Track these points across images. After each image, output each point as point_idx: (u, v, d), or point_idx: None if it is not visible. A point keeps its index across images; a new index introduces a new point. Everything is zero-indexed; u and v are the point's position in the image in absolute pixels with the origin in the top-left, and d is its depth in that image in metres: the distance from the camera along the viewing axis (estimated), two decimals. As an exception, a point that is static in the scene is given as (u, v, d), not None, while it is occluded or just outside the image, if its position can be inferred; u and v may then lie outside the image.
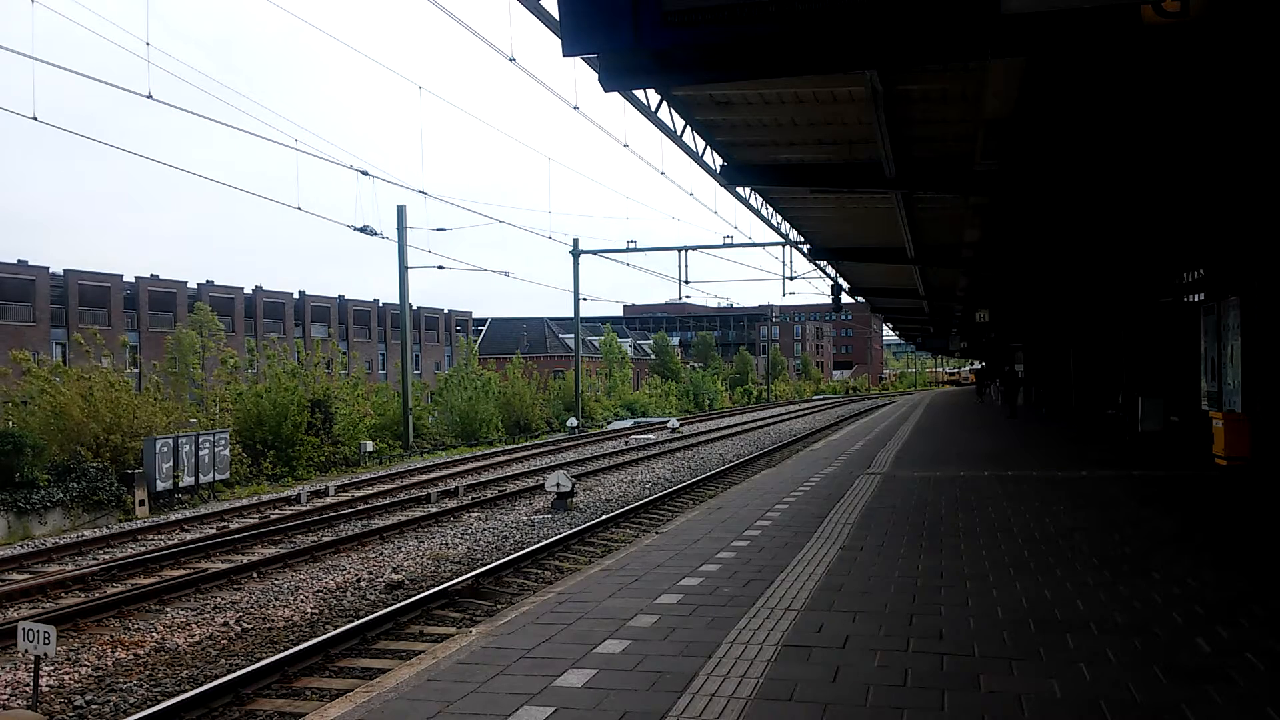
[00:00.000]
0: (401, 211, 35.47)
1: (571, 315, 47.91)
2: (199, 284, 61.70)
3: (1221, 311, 15.11)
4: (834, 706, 4.72)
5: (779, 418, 52.43)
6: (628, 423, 49.79)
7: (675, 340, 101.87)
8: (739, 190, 17.53)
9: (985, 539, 9.15)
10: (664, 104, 11.59)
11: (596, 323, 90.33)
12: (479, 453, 33.18)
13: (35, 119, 15.57)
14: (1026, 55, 7.87)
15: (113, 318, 53.80)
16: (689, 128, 12.59)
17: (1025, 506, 11.22)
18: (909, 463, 17.21)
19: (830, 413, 58.05)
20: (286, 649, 8.88)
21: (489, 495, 20.01)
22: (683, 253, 39.36)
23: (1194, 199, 13.01)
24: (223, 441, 24.37)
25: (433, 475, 24.62)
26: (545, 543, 13.44)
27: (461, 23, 11.95)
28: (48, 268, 51.78)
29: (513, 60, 11.90)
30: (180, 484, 22.62)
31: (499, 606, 10.13)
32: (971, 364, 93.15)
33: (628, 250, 41.21)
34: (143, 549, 15.04)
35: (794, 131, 12.71)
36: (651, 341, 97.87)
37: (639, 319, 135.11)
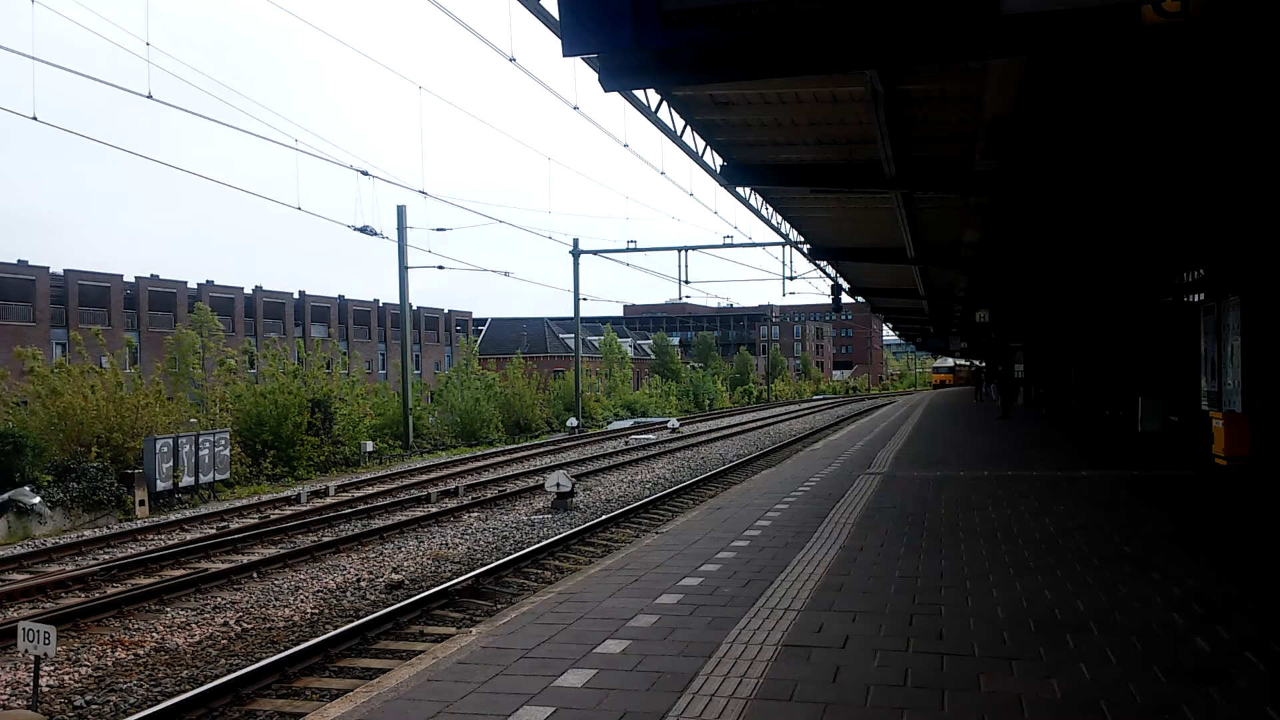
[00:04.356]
0: (401, 211, 35.50)
1: (571, 315, 47.91)
2: (199, 284, 61.71)
3: (1221, 311, 15.11)
4: (834, 706, 4.72)
5: (779, 418, 52.42)
6: (628, 423, 49.78)
7: (675, 340, 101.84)
8: (739, 190, 17.52)
9: (985, 539, 9.15)
10: (664, 104, 11.59)
11: (596, 323, 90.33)
12: (479, 453, 33.18)
13: (35, 119, 15.59)
14: (1026, 55, 7.87)
15: (113, 318, 53.81)
16: (689, 128, 12.58)
17: (1025, 506, 11.23)
18: (909, 463, 17.20)
19: (830, 413, 58.04)
20: (286, 649, 8.88)
21: (489, 495, 20.01)
22: (683, 253, 39.38)
23: (1194, 199, 13.01)
24: (223, 441, 24.36)
25: (433, 475, 24.62)
26: (545, 543, 13.45)
27: (461, 23, 11.95)
28: (48, 268, 51.82)
29: (513, 60, 11.90)
30: (180, 484, 22.61)
31: (499, 606, 10.13)
32: (970, 363, 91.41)
33: (628, 250, 41.20)
34: (143, 549, 15.04)
35: (794, 131, 12.71)
36: (651, 341, 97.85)
37: (639, 319, 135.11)
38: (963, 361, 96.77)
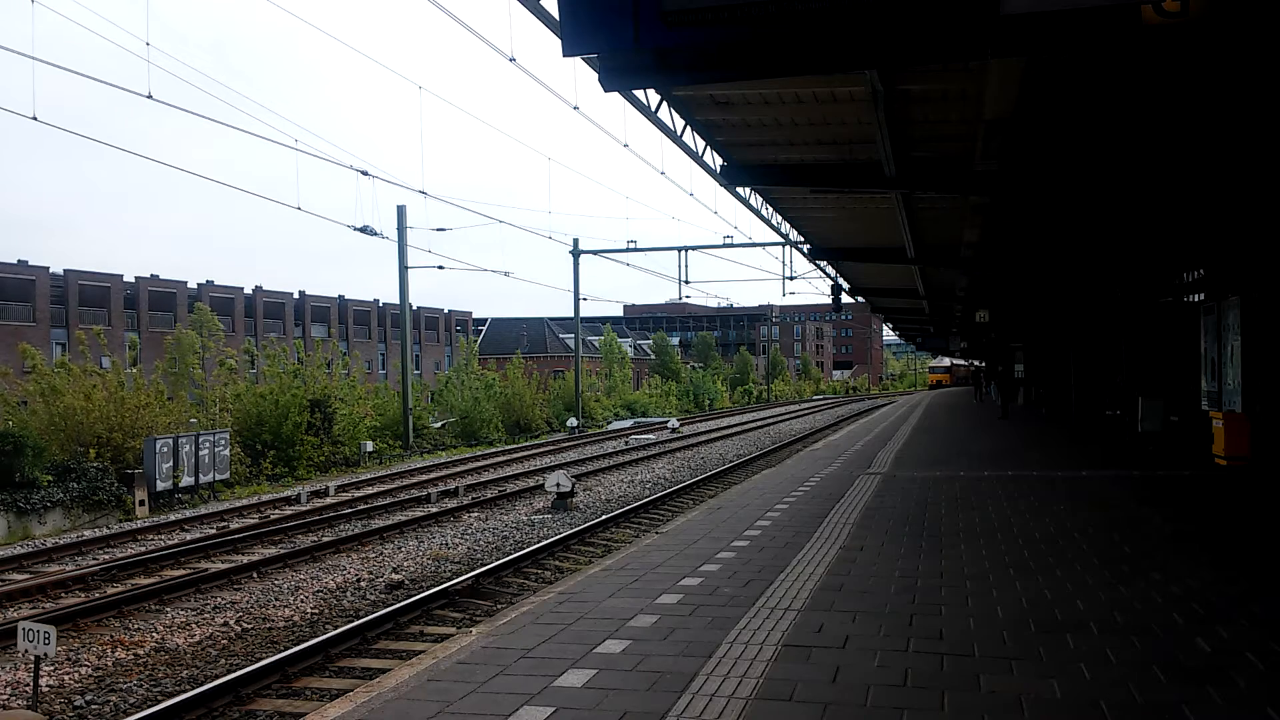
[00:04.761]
0: (401, 211, 35.50)
1: (571, 315, 47.92)
2: (199, 284, 61.68)
3: (1221, 311, 15.10)
4: (834, 706, 4.72)
5: (779, 418, 52.41)
6: (628, 423, 49.77)
7: (675, 340, 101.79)
8: (739, 190, 17.51)
9: (985, 539, 9.15)
10: (664, 104, 11.58)
11: (596, 323, 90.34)
12: (479, 453, 33.17)
13: (35, 119, 15.57)
14: (1026, 55, 7.87)
15: (113, 318, 53.79)
16: (689, 128, 12.58)
17: (1025, 506, 11.23)
18: (909, 463, 17.20)
19: (830, 413, 58.03)
20: (286, 649, 8.88)
21: (489, 495, 20.01)
22: (683, 253, 39.39)
23: (1194, 199, 13.00)
24: (223, 441, 24.36)
25: (433, 475, 24.62)
26: (545, 543, 13.44)
27: (461, 23, 11.95)
28: (48, 268, 51.80)
29: (513, 60, 11.89)
30: (180, 484, 22.62)
31: (499, 606, 10.13)
32: (968, 362, 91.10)
33: (628, 250, 41.19)
34: (143, 549, 15.04)
35: (794, 131, 12.71)
36: (651, 341, 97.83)
37: (639, 319, 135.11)
38: (960, 361, 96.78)
